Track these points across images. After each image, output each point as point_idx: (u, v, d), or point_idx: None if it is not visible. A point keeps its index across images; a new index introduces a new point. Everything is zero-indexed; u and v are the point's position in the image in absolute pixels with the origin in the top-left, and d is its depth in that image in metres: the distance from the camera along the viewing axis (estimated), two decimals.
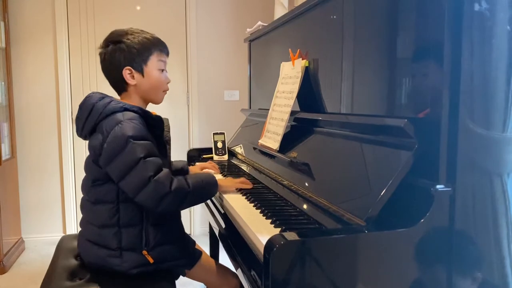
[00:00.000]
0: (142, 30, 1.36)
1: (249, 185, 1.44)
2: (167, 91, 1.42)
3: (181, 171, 1.64)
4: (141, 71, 1.33)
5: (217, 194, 1.44)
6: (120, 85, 1.36)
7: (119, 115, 1.23)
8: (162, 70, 1.37)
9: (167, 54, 1.40)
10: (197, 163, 1.87)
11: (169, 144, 1.43)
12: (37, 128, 3.18)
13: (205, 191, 1.31)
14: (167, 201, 1.19)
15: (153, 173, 1.18)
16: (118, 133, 1.20)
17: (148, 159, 1.19)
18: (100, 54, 1.36)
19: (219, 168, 1.81)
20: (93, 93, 1.32)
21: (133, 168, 1.18)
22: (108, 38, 1.35)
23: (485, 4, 0.88)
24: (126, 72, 1.32)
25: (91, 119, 1.26)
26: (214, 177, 1.34)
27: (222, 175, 1.72)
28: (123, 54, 1.31)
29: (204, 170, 1.74)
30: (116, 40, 1.32)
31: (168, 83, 1.40)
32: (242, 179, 1.46)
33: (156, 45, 1.35)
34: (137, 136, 1.20)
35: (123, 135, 1.19)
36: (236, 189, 1.43)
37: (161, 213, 1.25)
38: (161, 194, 1.18)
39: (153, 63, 1.34)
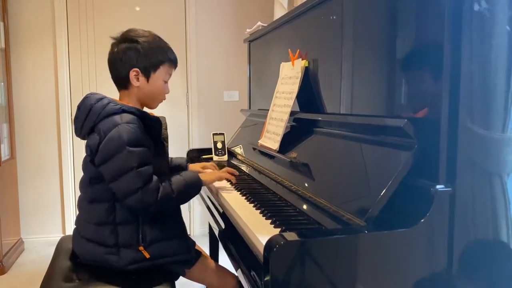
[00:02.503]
0: (159, 37, 1.38)
1: (234, 172, 1.51)
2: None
3: (179, 167, 1.68)
4: (147, 77, 1.34)
5: (216, 194, 1.48)
6: (122, 82, 1.36)
7: (117, 118, 1.24)
8: (166, 82, 1.39)
9: (175, 67, 1.42)
10: (197, 163, 1.87)
11: (167, 142, 1.45)
12: (37, 129, 3.18)
13: (188, 192, 1.34)
14: (152, 208, 1.24)
15: (142, 184, 1.21)
16: (114, 136, 1.22)
17: (140, 169, 1.21)
18: (113, 45, 1.36)
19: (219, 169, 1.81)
20: (91, 93, 1.33)
21: (124, 174, 1.21)
22: (126, 34, 1.35)
23: (485, 5, 0.88)
24: (132, 73, 1.33)
25: (89, 120, 1.28)
26: (197, 175, 1.37)
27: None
28: (136, 55, 1.32)
29: (206, 170, 1.75)
30: (134, 39, 1.32)
31: (166, 93, 1.42)
32: (226, 168, 1.53)
33: (169, 57, 1.37)
34: (133, 142, 1.22)
35: (119, 139, 1.21)
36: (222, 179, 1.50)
37: (149, 215, 1.29)
38: (147, 204, 1.23)
39: (161, 73, 1.36)
